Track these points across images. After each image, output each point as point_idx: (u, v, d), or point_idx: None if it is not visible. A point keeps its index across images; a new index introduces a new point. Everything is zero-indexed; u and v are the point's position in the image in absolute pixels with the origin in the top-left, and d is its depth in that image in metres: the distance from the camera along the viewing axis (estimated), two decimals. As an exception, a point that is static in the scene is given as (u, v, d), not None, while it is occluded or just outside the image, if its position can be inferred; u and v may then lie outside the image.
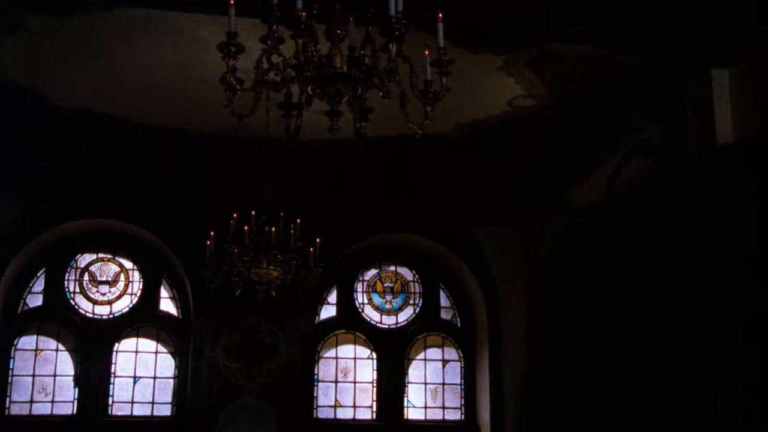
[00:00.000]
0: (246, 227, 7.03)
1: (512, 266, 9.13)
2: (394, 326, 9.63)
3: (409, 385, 9.46)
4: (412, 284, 9.75)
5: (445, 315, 9.74)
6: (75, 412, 8.71)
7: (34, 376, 8.77)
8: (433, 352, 9.63)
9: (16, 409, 8.66)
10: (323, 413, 9.19)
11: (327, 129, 3.62)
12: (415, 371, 9.54)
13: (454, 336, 9.68)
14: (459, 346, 9.65)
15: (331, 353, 9.42)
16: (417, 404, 9.43)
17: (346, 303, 9.56)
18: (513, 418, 8.98)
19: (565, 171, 8.01)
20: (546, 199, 8.59)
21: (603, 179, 7.52)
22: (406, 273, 9.79)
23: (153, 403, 8.87)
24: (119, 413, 8.81)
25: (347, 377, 9.36)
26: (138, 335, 9.07)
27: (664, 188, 6.45)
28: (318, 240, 7.33)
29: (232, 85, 3.40)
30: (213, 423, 8.46)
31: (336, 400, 9.25)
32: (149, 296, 9.16)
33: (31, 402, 8.71)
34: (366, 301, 9.63)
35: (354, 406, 9.28)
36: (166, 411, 8.89)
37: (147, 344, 9.06)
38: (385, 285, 9.74)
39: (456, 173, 8.26)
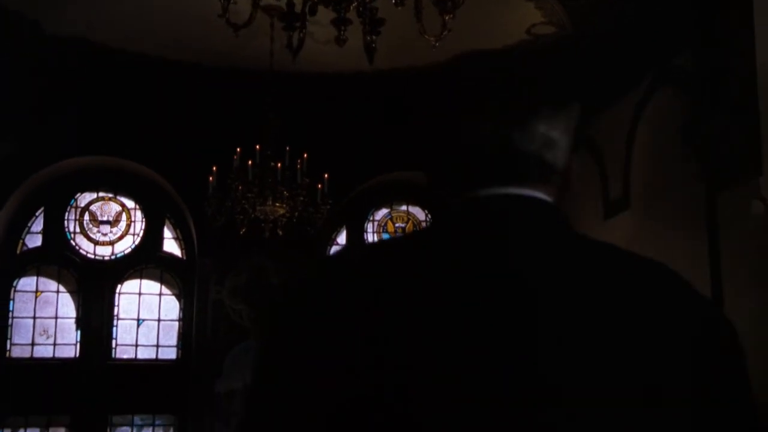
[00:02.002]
0: (250, 162, 6.69)
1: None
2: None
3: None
4: (424, 224, 9.40)
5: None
6: (77, 355, 8.46)
7: (34, 318, 8.51)
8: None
9: (17, 352, 8.43)
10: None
11: (334, 41, 3.25)
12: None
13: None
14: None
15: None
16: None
17: (356, 243, 9.21)
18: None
19: (586, 103, 7.58)
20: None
21: (629, 111, 7.09)
22: (418, 212, 9.44)
23: (157, 346, 8.62)
24: (123, 356, 8.57)
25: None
26: (141, 277, 8.77)
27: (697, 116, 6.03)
28: (326, 176, 7.00)
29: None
30: (219, 366, 8.18)
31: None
32: (152, 237, 8.85)
33: (33, 344, 8.47)
34: (377, 239, 9.30)
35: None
36: (171, 354, 8.64)
37: (150, 286, 8.77)
38: (396, 225, 9.39)
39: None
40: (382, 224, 9.33)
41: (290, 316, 1.13)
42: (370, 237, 9.26)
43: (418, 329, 1.04)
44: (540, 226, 1.17)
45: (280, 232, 6.86)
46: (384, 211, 9.38)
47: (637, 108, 6.91)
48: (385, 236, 9.28)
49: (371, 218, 9.33)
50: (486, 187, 1.18)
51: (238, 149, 6.62)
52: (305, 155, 6.77)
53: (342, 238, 9.19)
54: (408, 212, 9.43)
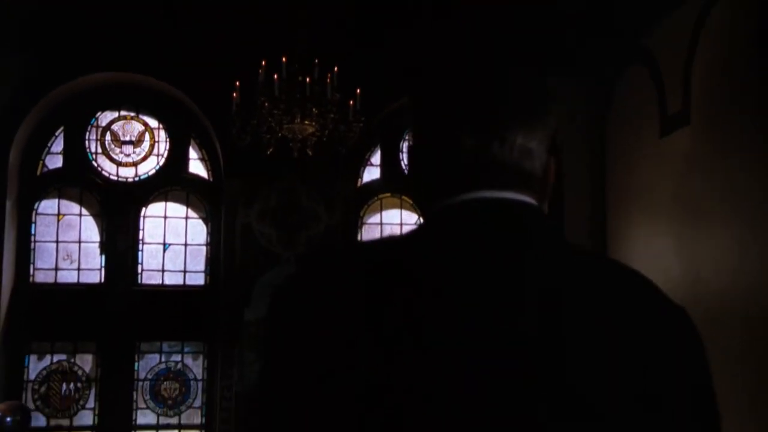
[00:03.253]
0: (276, 76, 6.20)
1: (578, 122, 8.17)
2: (444, 188, 8.79)
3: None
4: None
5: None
6: (102, 280, 8.17)
7: (57, 242, 8.20)
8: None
9: (40, 277, 8.15)
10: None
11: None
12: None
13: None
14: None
15: (375, 219, 8.66)
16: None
17: (391, 164, 8.73)
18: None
19: (641, 10, 6.93)
20: (617, 45, 7.54)
21: (690, 17, 6.44)
22: (456, 131, 8.88)
23: (185, 271, 8.29)
24: (149, 282, 8.25)
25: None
26: (166, 199, 8.39)
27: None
28: (358, 92, 6.49)
29: None
30: (248, 292, 7.88)
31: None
32: (177, 157, 8.44)
33: (56, 269, 8.17)
34: (413, 161, 8.78)
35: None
36: (198, 280, 8.31)
37: (176, 209, 8.40)
38: (433, 144, 8.85)
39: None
40: (418, 143, 8.80)
41: (281, 316, 1.17)
42: (406, 157, 8.76)
43: (407, 324, 1.08)
44: (525, 229, 1.19)
45: (310, 153, 6.40)
46: (420, 129, 8.83)
47: (701, 11, 6.26)
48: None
49: (407, 137, 8.80)
50: (469, 192, 1.20)
51: (263, 62, 6.11)
52: (335, 69, 6.25)
53: (376, 158, 8.71)
54: (446, 131, 8.88)
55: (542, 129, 1.24)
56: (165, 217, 8.37)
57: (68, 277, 8.18)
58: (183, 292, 8.22)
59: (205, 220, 8.38)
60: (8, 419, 4.53)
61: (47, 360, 8.07)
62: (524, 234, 1.18)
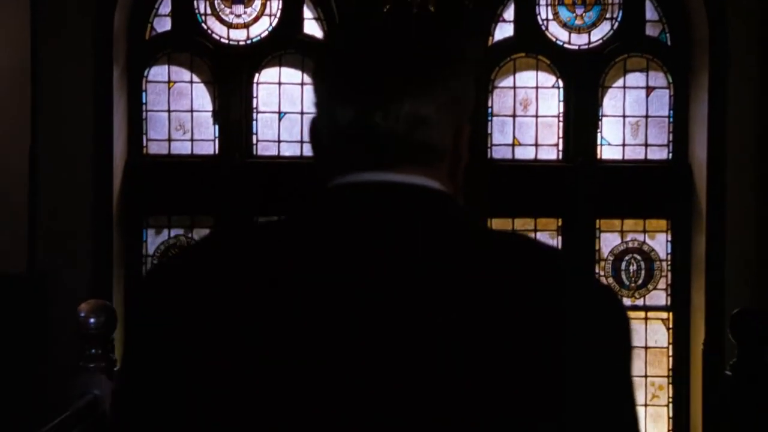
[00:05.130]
0: None
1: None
2: (586, 47, 7.76)
3: (604, 119, 7.80)
4: (606, -4, 7.77)
5: (651, 31, 7.72)
6: (217, 151, 7.75)
7: (169, 111, 7.78)
8: (635, 78, 7.78)
9: (154, 148, 7.80)
10: (499, 153, 7.78)
11: None
12: (611, 102, 7.78)
13: (663, 57, 7.72)
14: (668, 70, 7.72)
15: (508, 82, 7.76)
16: (613, 141, 7.80)
17: (526, 19, 7.74)
18: (737, 158, 7.25)
19: None
20: None
21: None
22: (604, -18, 7.80)
23: (301, 142, 7.73)
24: (265, 153, 7.77)
25: (528, 110, 7.77)
26: (280, 64, 7.77)
27: None
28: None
29: None
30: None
31: (514, 137, 7.78)
32: (291, 17, 7.75)
33: (169, 140, 7.80)
34: (551, 16, 7.76)
35: (536, 145, 7.79)
36: (316, 151, 7.75)
37: (291, 74, 7.77)
38: (577, -6, 7.81)
39: None
40: (558, -5, 7.76)
41: (138, 311, 1.17)
42: (543, 12, 7.75)
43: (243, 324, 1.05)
44: (405, 217, 1.11)
45: (432, 8, 5.62)
46: (561, -23, 7.77)
47: None
48: (563, 10, 7.75)
49: (543, -12, 7.77)
50: (349, 174, 1.14)
51: None
52: None
53: (509, 13, 7.74)
54: (592, -20, 7.78)
55: (443, 94, 1.15)
56: (279, 84, 7.78)
57: (181, 148, 7.80)
58: (300, 164, 7.66)
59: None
60: (91, 320, 4.14)
61: (165, 234, 7.82)
62: (403, 223, 1.09)
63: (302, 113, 7.72)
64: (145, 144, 7.78)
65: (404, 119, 1.11)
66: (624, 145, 7.80)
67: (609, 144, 7.79)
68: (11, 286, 6.90)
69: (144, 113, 7.75)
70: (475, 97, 1.20)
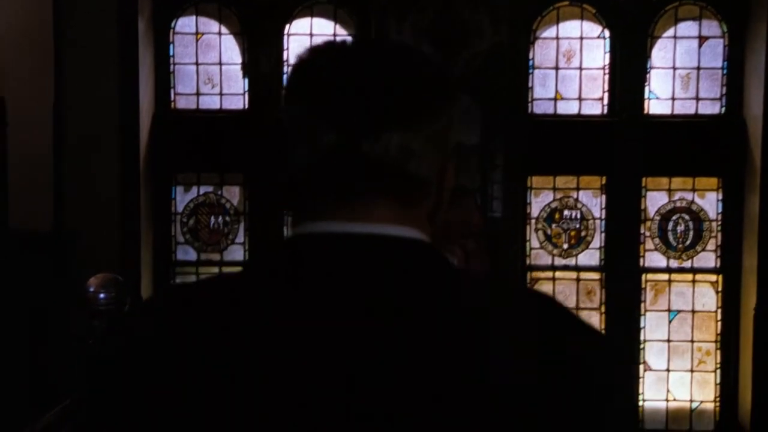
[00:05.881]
0: None
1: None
2: (634, -5, 7.36)
3: (653, 71, 7.37)
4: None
5: (704, -24, 7.33)
6: (246, 106, 7.49)
7: (197, 64, 7.51)
8: (687, 27, 7.32)
9: (182, 103, 7.56)
10: (540, 107, 7.40)
11: None
12: (660, 53, 7.34)
13: (717, 4, 7.25)
14: (723, 18, 7.26)
15: (551, 32, 7.34)
16: (662, 95, 7.38)
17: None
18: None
19: None
20: None
21: None
22: None
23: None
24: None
25: (571, 62, 7.37)
26: (312, 14, 7.44)
27: None
28: None
29: None
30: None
31: (557, 91, 7.39)
32: (322, -36, 7.40)
33: (198, 94, 7.53)
34: (597, -39, 7.34)
35: (579, 99, 7.39)
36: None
37: (323, 25, 7.45)
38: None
39: None
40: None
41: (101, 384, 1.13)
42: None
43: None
44: (381, 274, 1.04)
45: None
46: None
47: None
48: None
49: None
50: (321, 220, 1.08)
51: None
52: None
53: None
54: None
55: (432, 126, 1.09)
56: (311, 35, 7.45)
57: (210, 102, 7.54)
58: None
59: (355, 37, 7.42)
60: (102, 295, 3.93)
61: (194, 192, 7.60)
62: (374, 281, 1.03)
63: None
64: (172, 98, 7.52)
65: (394, 149, 1.05)
66: (673, 98, 7.39)
67: (657, 98, 7.38)
68: (38, 245, 6.76)
69: (171, 66, 7.49)
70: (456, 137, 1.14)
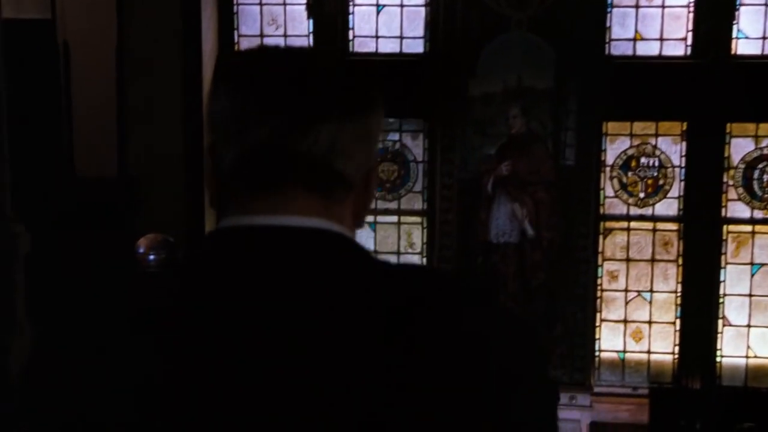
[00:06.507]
0: None
1: None
2: None
3: (742, 9, 6.89)
4: None
5: None
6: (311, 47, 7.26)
7: (261, 5, 7.32)
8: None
9: (245, 44, 7.40)
10: (619, 48, 7.00)
11: None
12: (751, -17, 6.87)
13: (815, -66, 6.72)
14: (822, -50, 6.72)
15: (631, -32, 6.90)
16: (752, 34, 6.89)
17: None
18: None
19: None
20: None
21: None
22: None
23: (401, 37, 7.16)
24: (362, 50, 7.24)
25: (652, 0, 6.93)
26: (379, -47, 7.14)
27: None
28: None
29: None
30: (473, 62, 6.71)
31: (636, 31, 6.97)
32: None
33: (261, 36, 7.36)
34: None
35: (661, 39, 6.95)
36: (417, 47, 7.17)
37: (388, -37, 7.14)
38: None
39: None
40: None
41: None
42: None
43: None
44: (299, 265, 1.06)
45: None
46: None
47: None
48: None
49: None
50: (246, 214, 1.10)
51: None
52: None
53: None
54: None
55: (361, 127, 1.12)
56: (377, -25, 7.18)
57: (274, 43, 7.36)
58: (399, 61, 7.13)
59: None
60: (151, 256, 3.84)
61: (258, 136, 7.50)
62: (293, 272, 1.05)
63: (402, 5, 7.12)
64: (236, 40, 7.37)
65: (322, 145, 1.08)
66: (764, 38, 6.88)
67: (746, 37, 6.89)
68: (104, 190, 6.74)
69: (235, 7, 7.31)
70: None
